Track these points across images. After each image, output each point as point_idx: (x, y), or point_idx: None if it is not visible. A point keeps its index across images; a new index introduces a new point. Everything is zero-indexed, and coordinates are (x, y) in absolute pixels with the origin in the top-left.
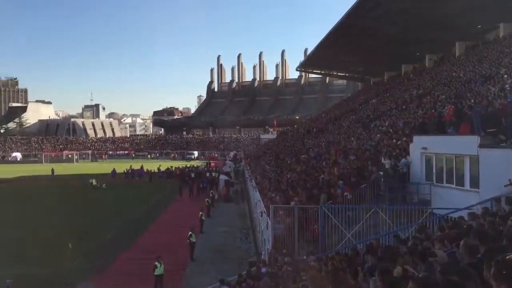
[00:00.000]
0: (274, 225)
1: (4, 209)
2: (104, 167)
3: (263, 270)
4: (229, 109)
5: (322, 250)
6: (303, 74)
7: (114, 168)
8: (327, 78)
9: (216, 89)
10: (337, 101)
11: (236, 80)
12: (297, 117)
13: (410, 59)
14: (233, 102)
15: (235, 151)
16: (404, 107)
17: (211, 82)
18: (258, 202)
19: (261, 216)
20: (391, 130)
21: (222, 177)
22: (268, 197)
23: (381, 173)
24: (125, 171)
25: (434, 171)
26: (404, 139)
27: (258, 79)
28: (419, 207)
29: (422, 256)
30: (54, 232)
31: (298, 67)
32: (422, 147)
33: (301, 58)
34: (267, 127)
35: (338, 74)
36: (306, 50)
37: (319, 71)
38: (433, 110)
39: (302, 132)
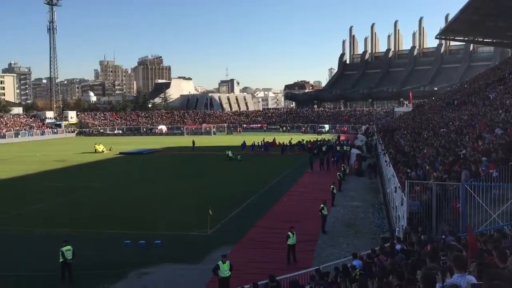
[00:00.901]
0: (409, 202)
1: (153, 175)
2: (239, 139)
3: (398, 246)
4: (361, 82)
5: (463, 230)
6: (443, 42)
7: (244, 141)
8: (471, 46)
9: (348, 61)
10: (482, 70)
11: (369, 51)
12: (436, 89)
13: None
14: (365, 74)
15: (367, 125)
16: None
17: (342, 54)
18: (391, 177)
19: (395, 191)
20: None
21: (354, 151)
22: (402, 172)
23: None
24: (258, 143)
25: None
26: None
27: (392, 49)
28: None
29: None
30: (196, 199)
31: (438, 34)
32: None
33: (441, 25)
34: (401, 99)
35: (485, 40)
36: (447, 16)
37: (462, 38)
38: None
39: (441, 105)
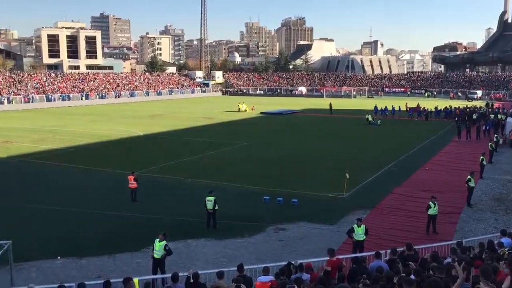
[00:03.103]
0: None
1: (291, 137)
2: (380, 103)
3: None
4: None
5: None
6: None
7: (375, 105)
8: None
9: (510, 20)
10: None
11: None
12: None
13: None
14: None
15: None
16: None
17: (504, 12)
18: None
19: None
20: None
21: (510, 120)
22: None
23: None
24: (392, 108)
25: None
26: None
27: None
28: None
29: None
30: (333, 161)
31: None
32: None
33: None
34: None
35: None
36: None
37: None
38: None
39: None
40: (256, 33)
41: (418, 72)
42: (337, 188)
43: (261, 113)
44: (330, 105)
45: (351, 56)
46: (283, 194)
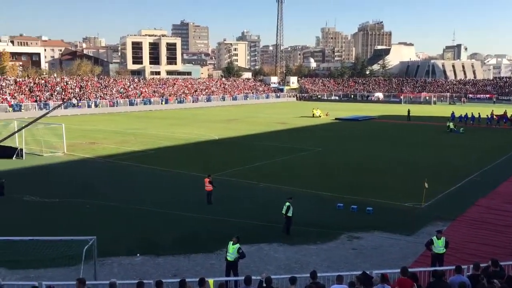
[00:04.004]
0: None
1: (369, 144)
2: (459, 110)
3: None
4: None
5: None
6: None
7: (452, 112)
8: None
9: None
10: None
11: None
12: None
13: None
14: None
15: None
16: None
17: None
18: None
19: None
20: None
21: None
22: None
23: None
24: (488, 116)
25: None
26: None
27: None
28: None
29: None
30: (411, 169)
31: None
32: None
33: None
34: None
35: None
36: None
37: None
38: None
39: None
40: (332, 38)
41: (506, 77)
42: (414, 197)
43: (336, 118)
44: (408, 111)
45: (432, 61)
46: (357, 201)
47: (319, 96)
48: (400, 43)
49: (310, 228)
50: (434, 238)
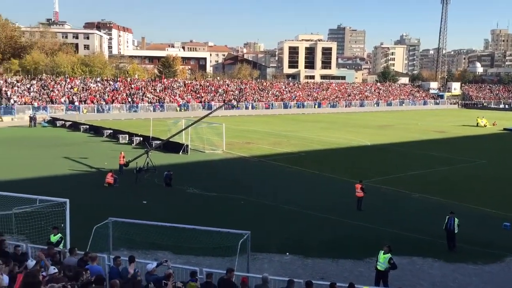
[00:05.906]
0: None
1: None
2: None
3: None
4: None
5: None
6: None
7: None
8: None
9: None
10: None
11: None
12: None
13: None
14: None
15: None
16: None
17: None
18: None
19: None
20: None
21: None
22: None
23: None
24: None
25: None
26: None
27: None
28: None
29: None
30: None
31: None
32: None
33: None
34: None
35: None
36: None
37: None
38: None
39: None
40: (503, 40)
41: None
42: None
43: (504, 129)
44: None
45: None
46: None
47: (485, 104)
48: None
49: (469, 246)
50: None
